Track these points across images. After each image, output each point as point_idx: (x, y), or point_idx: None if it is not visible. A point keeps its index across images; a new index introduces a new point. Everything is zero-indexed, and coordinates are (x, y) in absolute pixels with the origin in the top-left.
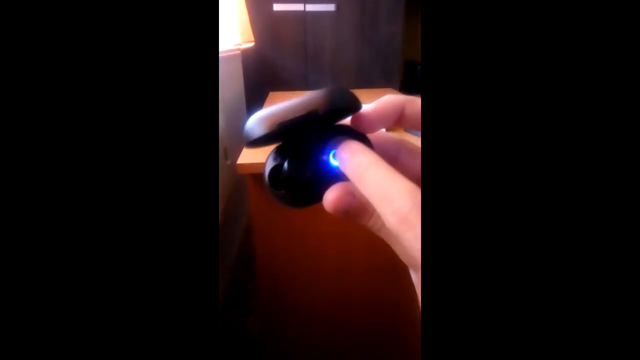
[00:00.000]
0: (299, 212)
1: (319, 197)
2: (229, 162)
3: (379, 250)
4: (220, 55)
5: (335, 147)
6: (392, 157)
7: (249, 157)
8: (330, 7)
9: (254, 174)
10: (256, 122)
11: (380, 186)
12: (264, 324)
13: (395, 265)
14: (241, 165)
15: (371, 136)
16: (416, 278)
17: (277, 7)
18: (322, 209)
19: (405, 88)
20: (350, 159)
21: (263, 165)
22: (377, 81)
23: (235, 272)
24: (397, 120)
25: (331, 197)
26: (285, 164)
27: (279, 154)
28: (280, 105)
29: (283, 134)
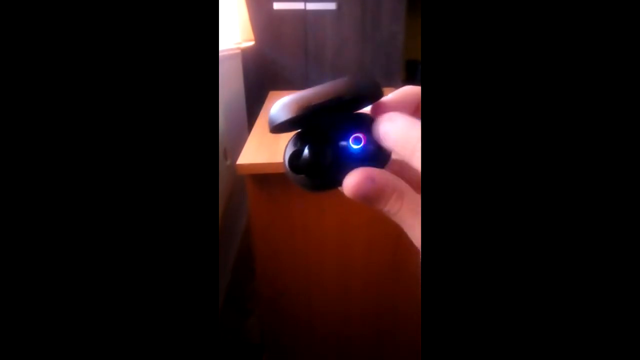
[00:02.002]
0: (298, 213)
1: (337, 182)
2: (228, 163)
3: (380, 252)
4: (220, 54)
5: (355, 132)
6: None
7: (249, 157)
8: (331, 6)
9: (253, 174)
10: (282, 106)
11: None
12: (264, 326)
13: (395, 267)
14: (241, 165)
15: None
16: None
17: (277, 5)
18: (322, 210)
19: None
20: (400, 131)
21: (283, 153)
22: (379, 80)
23: (234, 273)
24: (415, 110)
25: (351, 182)
26: (306, 149)
27: (299, 139)
28: (305, 91)
29: (307, 120)
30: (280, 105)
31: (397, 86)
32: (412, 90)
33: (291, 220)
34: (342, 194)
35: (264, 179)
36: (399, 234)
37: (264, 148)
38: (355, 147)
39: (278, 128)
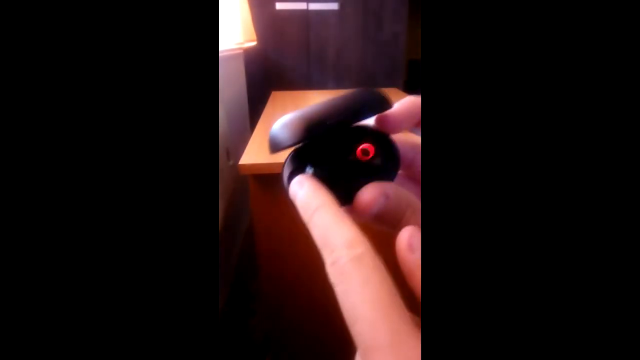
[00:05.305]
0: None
1: (345, 201)
2: (231, 163)
3: (382, 252)
4: (221, 54)
5: (359, 145)
6: (409, 160)
7: (251, 157)
8: (334, 6)
9: (256, 174)
10: (286, 129)
11: (325, 232)
12: (267, 325)
13: (398, 266)
14: (243, 165)
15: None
16: None
17: (279, 5)
18: None
19: (409, 88)
20: (301, 197)
21: (281, 167)
22: (381, 81)
23: (237, 273)
24: (419, 122)
25: (364, 200)
26: (308, 168)
27: (299, 157)
28: (310, 110)
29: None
30: (283, 126)
31: (399, 86)
32: (416, 102)
33: (294, 221)
34: None
35: (266, 178)
36: None
37: (266, 148)
38: (363, 160)
39: (280, 150)
